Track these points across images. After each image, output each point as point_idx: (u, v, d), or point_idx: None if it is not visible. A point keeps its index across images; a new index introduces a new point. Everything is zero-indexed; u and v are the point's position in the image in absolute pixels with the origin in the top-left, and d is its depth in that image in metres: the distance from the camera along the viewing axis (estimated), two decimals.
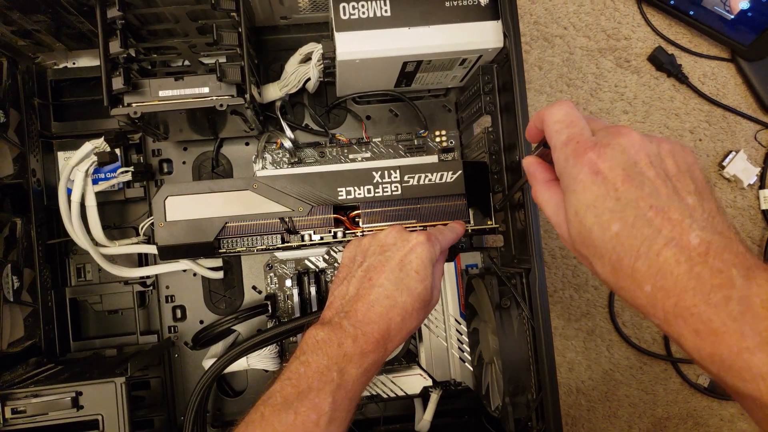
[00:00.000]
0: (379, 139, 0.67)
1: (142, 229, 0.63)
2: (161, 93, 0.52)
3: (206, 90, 0.52)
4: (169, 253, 0.53)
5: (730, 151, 0.79)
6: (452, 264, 0.63)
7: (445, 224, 0.55)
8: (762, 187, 0.78)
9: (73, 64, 0.67)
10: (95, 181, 0.59)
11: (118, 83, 0.50)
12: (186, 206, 0.53)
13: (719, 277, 0.27)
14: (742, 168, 0.78)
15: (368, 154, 0.67)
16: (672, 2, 0.77)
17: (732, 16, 0.75)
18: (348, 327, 0.41)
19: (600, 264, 0.32)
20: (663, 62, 0.78)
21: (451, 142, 0.69)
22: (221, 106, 0.52)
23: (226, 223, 0.53)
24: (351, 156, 0.67)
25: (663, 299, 0.28)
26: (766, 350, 0.25)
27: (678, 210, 0.29)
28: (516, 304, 0.51)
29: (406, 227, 0.55)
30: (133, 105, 0.52)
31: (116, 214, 0.68)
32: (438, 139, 0.69)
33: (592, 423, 0.78)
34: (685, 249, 0.28)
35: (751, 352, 0.25)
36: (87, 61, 0.67)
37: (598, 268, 0.32)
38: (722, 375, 0.27)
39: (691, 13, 0.76)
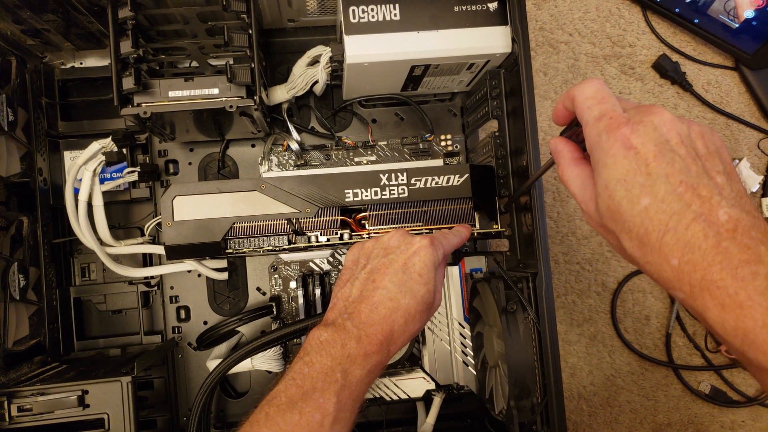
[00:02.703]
0: (385, 143, 0.68)
1: (147, 229, 0.63)
2: (171, 93, 0.52)
3: (216, 91, 0.52)
4: (176, 252, 0.53)
5: (734, 159, 0.79)
6: (456, 268, 0.63)
7: (450, 227, 0.55)
8: (765, 195, 0.79)
9: (81, 64, 0.67)
10: (101, 181, 0.59)
11: (128, 83, 0.50)
12: (194, 206, 0.53)
13: (747, 252, 0.27)
14: (745, 176, 0.78)
15: (374, 157, 0.68)
16: (677, 10, 0.77)
17: (736, 25, 0.75)
18: (351, 328, 0.41)
19: (627, 238, 0.32)
20: (667, 70, 0.78)
21: (457, 146, 0.69)
22: (231, 107, 0.52)
23: (234, 223, 0.53)
24: (356, 159, 0.67)
25: (690, 272, 0.29)
26: None
27: (707, 187, 0.30)
28: (522, 308, 0.51)
29: (411, 230, 0.55)
30: (143, 105, 0.52)
31: (121, 214, 0.68)
32: (443, 143, 0.69)
33: (594, 428, 0.78)
34: (714, 224, 0.29)
35: None
36: (94, 61, 0.68)
37: (625, 243, 0.33)
38: (745, 349, 0.27)
39: (696, 21, 0.77)
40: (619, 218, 0.32)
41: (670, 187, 0.30)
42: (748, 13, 0.74)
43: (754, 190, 0.79)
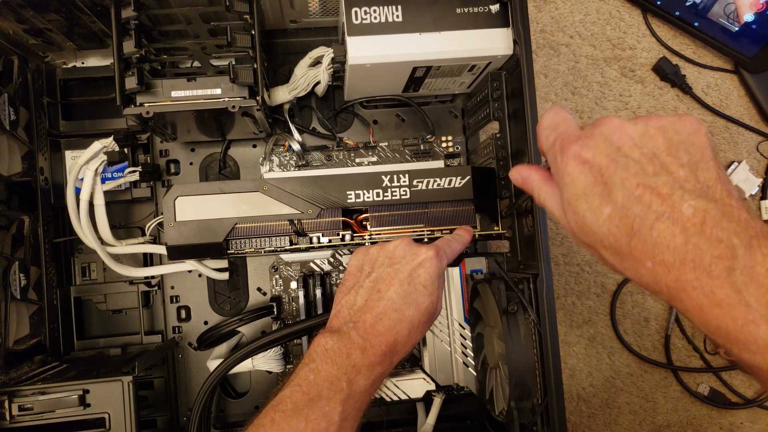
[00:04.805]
0: (386, 144, 0.68)
1: (148, 229, 0.63)
2: (173, 93, 0.52)
3: (218, 91, 0.52)
4: (177, 253, 0.53)
5: (733, 162, 0.80)
6: (457, 269, 0.63)
7: (452, 230, 0.55)
8: (764, 197, 0.79)
9: (82, 63, 0.67)
10: (102, 181, 0.59)
11: (131, 83, 0.50)
12: (196, 206, 0.53)
13: (719, 247, 0.26)
14: (744, 179, 0.78)
15: (375, 158, 0.68)
16: (677, 13, 0.77)
17: (736, 28, 0.76)
18: (357, 338, 0.41)
19: (602, 249, 0.32)
20: (667, 72, 0.79)
21: (457, 148, 0.69)
22: (233, 107, 0.52)
23: (236, 224, 0.53)
24: (358, 160, 0.67)
25: (664, 274, 0.28)
26: None
27: (667, 184, 0.29)
28: (523, 309, 0.51)
29: (414, 231, 0.55)
30: (146, 105, 0.52)
31: (122, 214, 0.68)
32: (444, 145, 0.69)
33: (593, 430, 0.79)
34: (679, 221, 0.28)
35: (756, 324, 0.25)
36: (96, 60, 0.68)
37: (602, 254, 0.32)
38: (730, 347, 0.26)
39: (696, 24, 0.77)
40: (589, 231, 0.32)
41: (627, 191, 0.30)
42: (748, 16, 0.75)
43: (753, 193, 0.79)
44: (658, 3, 0.78)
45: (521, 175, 0.40)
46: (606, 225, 0.31)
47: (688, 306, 0.28)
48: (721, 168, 0.30)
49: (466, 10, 0.55)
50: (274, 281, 0.66)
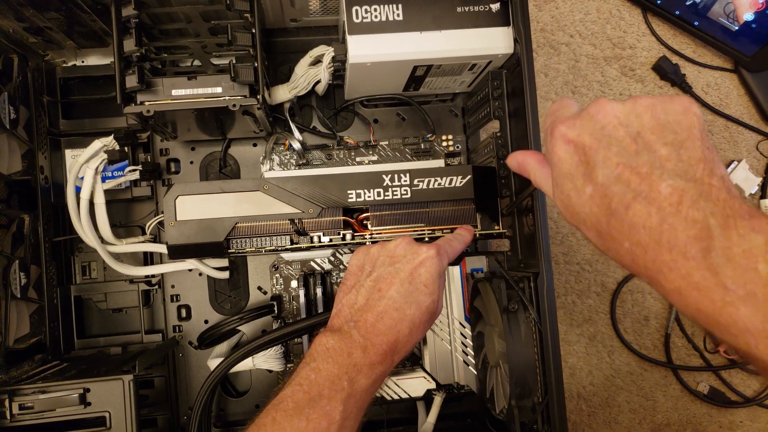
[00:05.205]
0: (386, 143, 0.68)
1: (148, 228, 0.63)
2: (174, 92, 0.52)
3: (219, 90, 0.52)
4: (178, 252, 0.53)
5: (732, 161, 0.80)
6: (457, 268, 0.63)
7: (452, 229, 0.55)
8: (763, 196, 0.79)
9: (82, 62, 0.67)
10: (102, 179, 0.59)
11: (132, 81, 0.50)
12: (196, 206, 0.53)
13: (695, 227, 0.26)
14: (744, 178, 0.79)
15: (375, 157, 0.68)
16: (677, 13, 0.77)
17: (736, 28, 0.76)
18: (358, 337, 0.41)
19: (585, 229, 0.32)
20: (667, 71, 0.79)
21: (458, 147, 0.69)
22: (234, 106, 0.52)
23: (237, 223, 0.53)
24: (358, 159, 0.67)
25: (641, 255, 0.28)
26: (751, 303, 0.24)
27: (647, 163, 0.28)
28: (524, 308, 0.51)
29: (414, 230, 0.55)
30: (146, 103, 0.52)
31: (122, 213, 0.68)
32: (444, 144, 0.69)
33: (593, 428, 0.79)
34: (655, 201, 0.27)
35: (735, 306, 0.24)
36: (95, 59, 0.68)
37: (586, 234, 0.32)
38: (712, 330, 0.26)
39: (696, 23, 0.77)
40: (573, 211, 0.32)
41: (608, 170, 0.29)
42: (748, 15, 0.75)
43: (752, 192, 0.79)
44: (658, 2, 0.78)
45: (517, 160, 0.40)
46: (588, 205, 0.31)
47: (667, 289, 0.27)
48: (708, 148, 0.29)
49: (466, 8, 0.55)
50: (274, 280, 0.66)
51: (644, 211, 0.27)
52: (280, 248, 0.54)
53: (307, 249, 0.55)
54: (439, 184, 0.55)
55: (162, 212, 0.65)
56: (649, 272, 0.28)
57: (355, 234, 0.55)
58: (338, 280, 0.66)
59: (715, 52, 0.81)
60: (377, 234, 0.55)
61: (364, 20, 0.54)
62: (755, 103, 0.80)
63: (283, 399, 0.39)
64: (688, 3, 0.76)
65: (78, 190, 0.58)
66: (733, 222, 0.25)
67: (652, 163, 0.28)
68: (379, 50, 0.54)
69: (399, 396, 0.61)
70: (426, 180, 0.55)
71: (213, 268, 0.64)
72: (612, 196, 0.29)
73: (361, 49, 0.54)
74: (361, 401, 0.40)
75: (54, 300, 0.63)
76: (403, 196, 0.55)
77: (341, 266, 0.66)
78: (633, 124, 0.31)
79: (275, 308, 0.64)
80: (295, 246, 0.54)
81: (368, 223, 0.56)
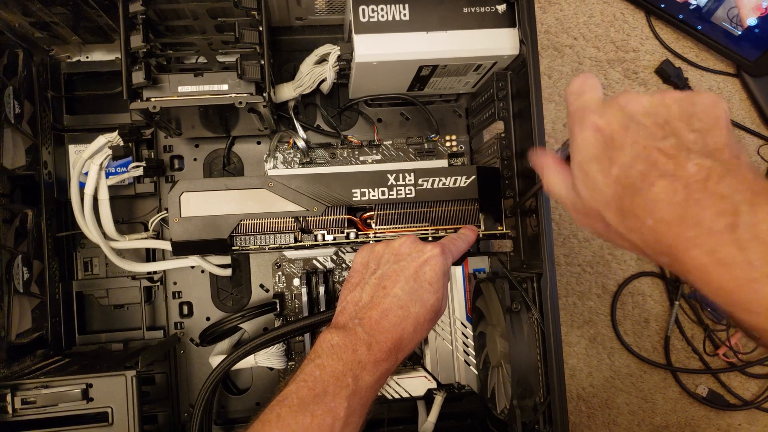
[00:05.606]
0: (390, 142, 0.68)
1: (152, 224, 0.63)
2: (180, 89, 0.52)
3: (225, 87, 0.52)
4: (182, 249, 0.53)
5: None
6: (460, 268, 0.64)
7: (456, 229, 0.55)
8: None
9: (87, 57, 0.67)
10: (106, 175, 0.59)
11: (138, 77, 0.50)
12: (201, 203, 0.53)
13: (722, 203, 0.26)
14: None
15: (378, 157, 0.68)
16: (681, 16, 0.78)
17: (739, 32, 0.76)
18: (362, 334, 0.41)
19: (607, 210, 0.32)
20: (670, 75, 0.79)
21: (461, 147, 0.69)
22: (240, 103, 0.52)
23: (241, 220, 0.53)
24: (362, 158, 0.67)
25: (665, 231, 0.28)
26: None
27: (675, 146, 0.29)
28: (526, 308, 0.52)
29: (418, 230, 0.55)
30: (152, 100, 0.52)
31: (125, 209, 0.68)
32: (448, 144, 0.69)
33: (592, 429, 0.79)
34: (681, 178, 0.27)
35: (760, 283, 0.24)
36: (100, 55, 0.67)
37: (608, 216, 0.32)
38: (731, 309, 0.26)
39: (699, 27, 0.77)
40: (598, 194, 0.32)
41: (635, 152, 0.30)
42: (751, 20, 0.75)
43: None
44: (662, 6, 0.78)
45: (538, 155, 0.41)
46: (614, 186, 0.31)
47: (689, 267, 0.27)
48: (733, 137, 0.30)
49: (472, 9, 0.55)
50: (276, 278, 0.66)
51: (670, 188, 0.28)
52: (284, 246, 0.54)
53: (311, 247, 0.55)
54: (444, 183, 0.55)
55: (165, 209, 0.65)
56: (672, 249, 0.28)
57: (359, 233, 0.55)
58: (341, 279, 0.66)
59: (718, 57, 0.81)
60: (381, 233, 0.55)
61: (371, 19, 0.54)
62: (757, 108, 0.80)
63: (288, 395, 0.39)
64: (691, 7, 0.77)
65: (82, 185, 0.58)
66: (759, 199, 0.25)
67: (679, 146, 0.29)
68: (386, 50, 0.54)
69: (400, 395, 0.61)
70: (430, 180, 0.55)
71: (215, 265, 0.64)
72: (637, 174, 0.29)
73: (368, 48, 0.54)
74: (366, 398, 0.40)
75: (56, 295, 0.63)
76: (408, 196, 0.55)
77: (344, 265, 0.66)
78: (661, 113, 0.31)
79: (277, 306, 0.64)
80: (299, 244, 0.55)
81: (372, 222, 0.56)
